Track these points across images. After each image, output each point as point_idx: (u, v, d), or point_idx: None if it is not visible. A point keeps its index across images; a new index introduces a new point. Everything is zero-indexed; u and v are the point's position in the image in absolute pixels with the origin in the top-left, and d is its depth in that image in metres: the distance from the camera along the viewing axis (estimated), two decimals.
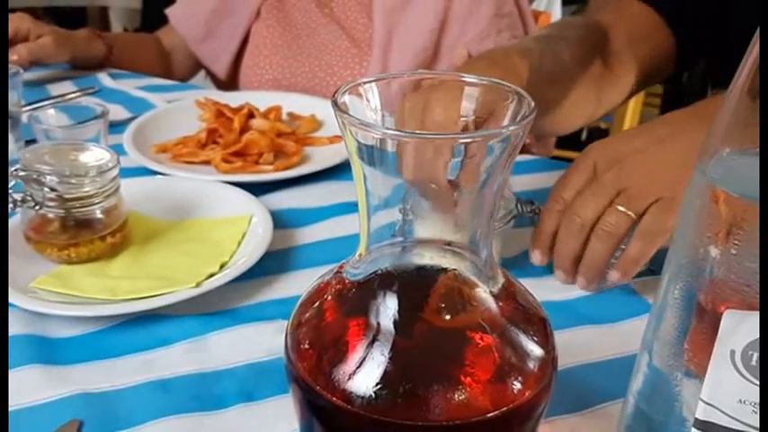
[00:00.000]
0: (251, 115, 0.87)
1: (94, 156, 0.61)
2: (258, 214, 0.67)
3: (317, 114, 0.93)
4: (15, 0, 3.08)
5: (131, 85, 1.05)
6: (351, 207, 0.73)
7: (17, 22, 0.99)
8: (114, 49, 1.13)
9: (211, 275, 0.58)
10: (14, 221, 0.62)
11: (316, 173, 0.79)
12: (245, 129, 0.84)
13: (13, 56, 0.96)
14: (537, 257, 0.59)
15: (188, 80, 1.30)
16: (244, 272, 0.58)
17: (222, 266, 0.60)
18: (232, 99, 0.93)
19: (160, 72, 1.22)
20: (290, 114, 0.94)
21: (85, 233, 0.60)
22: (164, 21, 1.28)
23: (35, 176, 0.57)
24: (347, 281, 0.35)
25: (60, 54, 1.04)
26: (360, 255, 0.35)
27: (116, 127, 0.87)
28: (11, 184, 0.57)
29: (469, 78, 0.33)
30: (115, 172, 0.61)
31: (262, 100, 0.94)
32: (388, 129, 0.30)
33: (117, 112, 0.93)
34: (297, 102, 0.97)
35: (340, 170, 0.80)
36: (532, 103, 0.30)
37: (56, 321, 0.54)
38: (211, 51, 1.24)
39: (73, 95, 0.99)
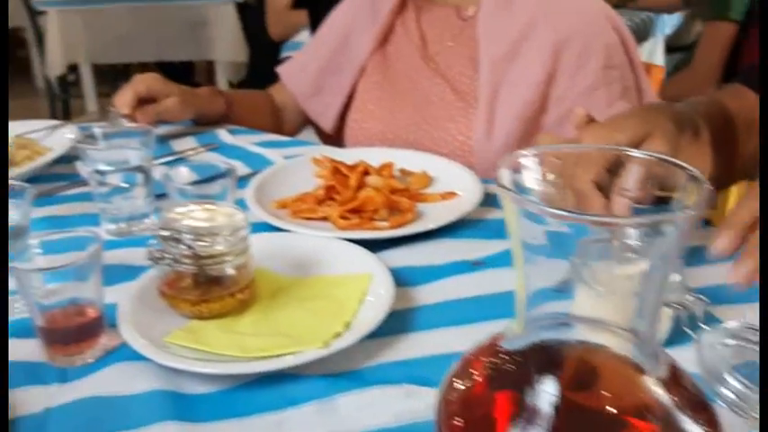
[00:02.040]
0: (365, 172, 0.88)
1: (226, 214, 0.64)
2: (378, 273, 0.68)
3: (428, 170, 0.94)
4: (129, 55, 3.31)
5: (248, 141, 1.09)
6: (467, 267, 0.72)
7: (150, 82, 1.05)
8: (233, 106, 1.18)
9: (337, 335, 0.58)
10: (150, 276, 0.65)
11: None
12: (360, 185, 0.86)
13: (141, 116, 1.02)
14: (722, 242, 0.54)
15: (297, 134, 1.35)
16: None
17: (346, 326, 0.60)
18: (345, 155, 0.95)
19: (272, 127, 1.26)
20: (402, 170, 0.95)
21: (216, 289, 0.62)
22: (269, 75, 1.33)
23: (174, 236, 0.59)
24: (503, 356, 0.34)
25: (185, 113, 1.10)
26: (516, 330, 0.34)
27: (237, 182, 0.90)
28: (152, 241, 0.60)
29: (639, 155, 0.32)
30: (246, 231, 0.63)
31: (374, 156, 0.95)
32: (556, 210, 0.30)
33: (237, 167, 0.97)
34: (408, 158, 0.98)
35: (454, 228, 0.80)
36: (708, 186, 0.29)
37: (189, 377, 0.56)
38: (319, 106, 1.28)
39: (194, 151, 1.04)
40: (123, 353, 0.59)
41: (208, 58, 3.28)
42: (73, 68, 3.28)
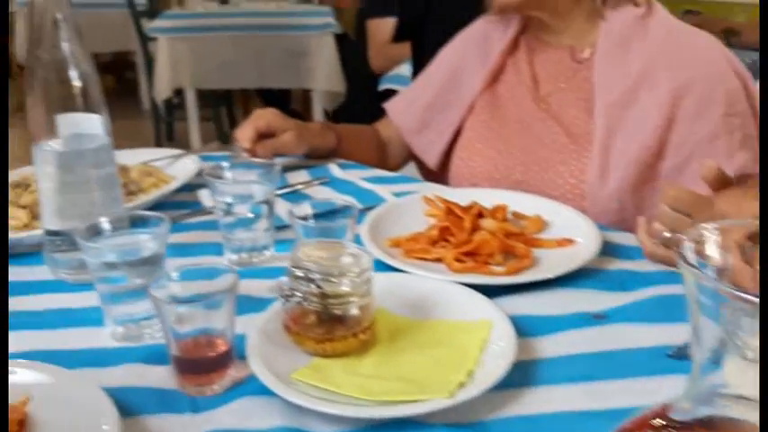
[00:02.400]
0: (479, 214, 0.88)
1: (351, 254, 0.65)
2: (498, 320, 0.67)
3: (542, 215, 0.93)
4: (231, 82, 3.44)
5: (358, 176, 1.11)
6: (589, 319, 0.71)
7: (270, 118, 1.09)
8: (342, 141, 1.21)
9: (461, 384, 0.58)
10: (274, 310, 0.67)
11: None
12: (474, 228, 0.85)
13: (261, 150, 1.06)
14: None
15: (400, 169, 1.36)
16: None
17: (469, 374, 0.60)
18: (455, 195, 0.95)
19: (377, 161, 1.28)
20: (515, 214, 0.94)
21: (340, 328, 0.63)
22: (366, 105, 1.34)
23: (307, 275, 0.61)
24: (671, 430, 0.33)
25: (300, 147, 1.13)
26: (684, 403, 0.33)
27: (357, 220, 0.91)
28: (283, 278, 0.62)
29: None
30: (371, 272, 0.64)
31: (483, 197, 0.95)
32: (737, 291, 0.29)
33: (349, 203, 0.98)
34: (519, 200, 0.97)
35: (572, 276, 0.78)
36: None
37: (313, 416, 0.57)
38: (425, 143, 1.29)
39: (307, 185, 1.07)
40: (251, 386, 0.60)
41: (306, 86, 3.37)
42: (177, 92, 3.43)
